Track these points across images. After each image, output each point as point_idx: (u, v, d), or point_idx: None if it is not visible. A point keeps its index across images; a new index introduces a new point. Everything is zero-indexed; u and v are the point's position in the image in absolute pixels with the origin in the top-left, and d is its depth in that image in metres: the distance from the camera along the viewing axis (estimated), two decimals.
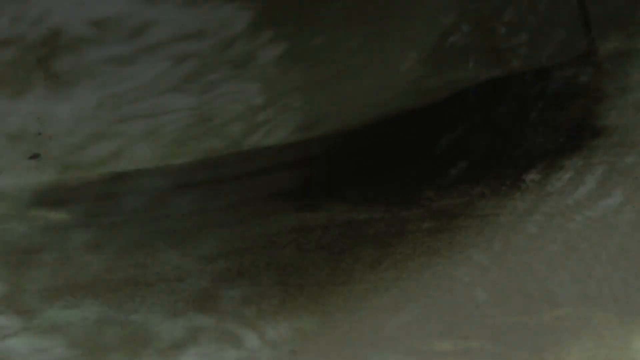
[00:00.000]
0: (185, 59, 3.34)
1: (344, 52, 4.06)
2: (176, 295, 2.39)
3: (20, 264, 2.52)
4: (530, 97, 3.46)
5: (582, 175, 2.88)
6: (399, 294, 2.35)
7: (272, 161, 3.23)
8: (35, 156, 2.12)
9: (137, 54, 3.13)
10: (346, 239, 2.62)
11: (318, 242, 2.62)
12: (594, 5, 3.96)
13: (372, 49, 4.01)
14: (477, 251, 2.53)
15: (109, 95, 2.98)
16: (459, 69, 3.71)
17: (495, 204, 2.77)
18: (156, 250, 2.62)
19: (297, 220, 2.75)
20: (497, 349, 2.14)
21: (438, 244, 2.57)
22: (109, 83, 2.95)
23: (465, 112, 3.44)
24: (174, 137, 3.28)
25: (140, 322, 2.26)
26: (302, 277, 2.44)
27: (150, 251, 2.61)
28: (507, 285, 2.37)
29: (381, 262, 2.50)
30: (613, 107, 3.28)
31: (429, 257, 2.51)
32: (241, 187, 3.04)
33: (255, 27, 3.74)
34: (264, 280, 2.44)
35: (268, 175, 3.13)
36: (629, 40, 3.72)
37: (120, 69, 3.05)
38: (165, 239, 2.70)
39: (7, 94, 2.39)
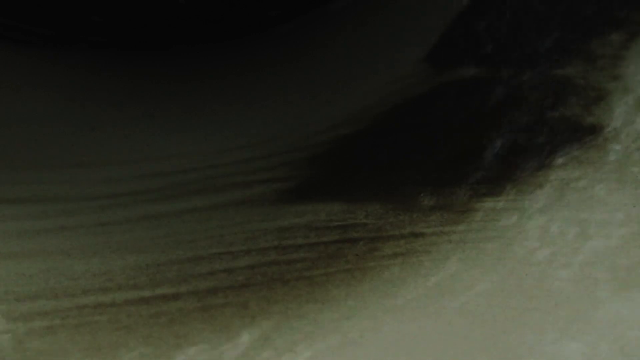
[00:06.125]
0: None
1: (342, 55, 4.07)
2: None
3: None
4: (529, 96, 3.46)
5: (583, 173, 2.88)
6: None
7: (269, 161, 3.24)
8: None
9: None
10: (336, 242, 2.62)
11: (309, 243, 2.63)
12: (595, 5, 3.96)
13: (370, 51, 4.01)
14: (475, 254, 2.53)
15: None
16: (457, 69, 3.71)
17: (492, 205, 2.77)
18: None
19: (287, 222, 2.76)
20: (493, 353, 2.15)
21: (438, 244, 2.58)
22: None
23: (463, 111, 3.44)
24: None
25: None
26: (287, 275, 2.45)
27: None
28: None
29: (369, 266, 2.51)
30: (613, 107, 3.28)
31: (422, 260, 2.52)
32: (234, 187, 3.05)
33: None
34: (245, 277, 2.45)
35: (263, 174, 3.14)
36: (628, 39, 3.72)
37: None
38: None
39: None
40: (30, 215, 2.89)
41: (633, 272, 2.39)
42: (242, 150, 3.36)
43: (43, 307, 2.34)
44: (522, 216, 2.69)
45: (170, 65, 4.13)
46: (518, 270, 2.43)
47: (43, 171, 3.22)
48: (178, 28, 4.27)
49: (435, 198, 2.83)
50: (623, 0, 3.94)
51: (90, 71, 3.99)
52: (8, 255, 2.61)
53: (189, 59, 4.18)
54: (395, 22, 4.16)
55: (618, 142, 3.05)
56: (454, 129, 3.33)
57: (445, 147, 3.20)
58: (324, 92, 3.79)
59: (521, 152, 3.08)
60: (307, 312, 2.32)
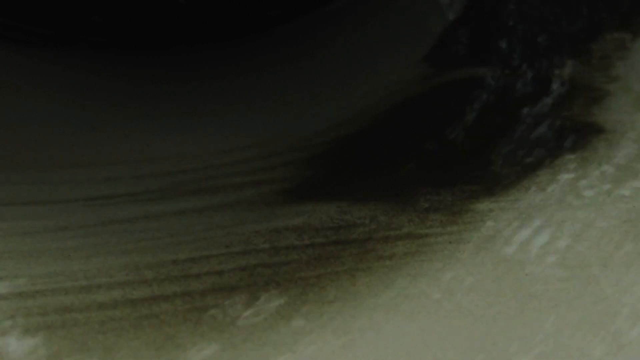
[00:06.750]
0: None
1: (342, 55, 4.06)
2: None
3: None
4: (529, 96, 3.46)
5: (582, 173, 2.88)
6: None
7: (269, 161, 3.24)
8: None
9: None
10: (332, 243, 2.62)
11: (304, 243, 2.62)
12: (595, 5, 3.96)
13: (370, 49, 4.01)
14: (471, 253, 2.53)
15: None
16: (457, 69, 3.71)
17: (491, 206, 2.77)
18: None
19: (286, 222, 2.75)
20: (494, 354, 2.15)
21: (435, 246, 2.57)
22: None
23: (462, 111, 3.44)
24: None
25: None
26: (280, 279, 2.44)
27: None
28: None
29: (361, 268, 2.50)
30: (613, 107, 3.28)
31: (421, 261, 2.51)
32: (234, 187, 3.05)
33: None
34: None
35: (263, 174, 3.13)
36: (629, 39, 3.72)
37: None
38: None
39: None
40: (30, 215, 2.89)
41: (632, 271, 2.39)
42: (242, 150, 3.36)
43: (41, 307, 2.34)
44: (521, 217, 2.69)
45: (170, 65, 4.13)
46: (518, 270, 2.42)
47: (43, 171, 3.22)
48: (178, 28, 4.27)
49: (435, 198, 2.83)
50: (623, 0, 3.94)
51: (90, 71, 3.98)
52: (8, 255, 2.61)
53: (189, 59, 4.17)
54: (395, 22, 4.16)
55: (618, 142, 3.04)
56: (453, 129, 3.33)
57: (445, 147, 3.20)
58: (324, 92, 3.79)
59: (521, 153, 3.08)
60: (304, 313, 2.31)
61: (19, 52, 3.97)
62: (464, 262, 2.47)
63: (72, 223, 2.83)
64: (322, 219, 2.74)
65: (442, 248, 2.55)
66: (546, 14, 3.97)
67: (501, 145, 3.15)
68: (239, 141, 3.44)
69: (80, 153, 3.37)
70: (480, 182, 2.91)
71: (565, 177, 2.88)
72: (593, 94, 3.39)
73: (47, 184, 3.12)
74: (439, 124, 3.37)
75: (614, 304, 2.27)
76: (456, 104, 3.52)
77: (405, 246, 2.57)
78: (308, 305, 2.33)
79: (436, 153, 3.17)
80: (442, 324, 2.22)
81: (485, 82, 3.62)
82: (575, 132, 3.15)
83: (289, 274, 2.46)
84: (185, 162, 3.29)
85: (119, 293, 2.39)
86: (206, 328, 2.24)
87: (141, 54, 4.17)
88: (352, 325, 2.23)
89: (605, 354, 2.10)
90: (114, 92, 3.85)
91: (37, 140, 3.43)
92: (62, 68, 3.94)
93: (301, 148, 3.32)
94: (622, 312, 2.23)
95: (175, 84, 3.96)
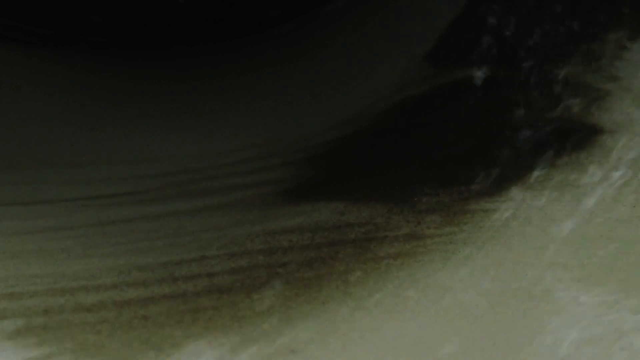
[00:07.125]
0: None
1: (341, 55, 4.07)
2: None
3: None
4: (529, 96, 3.46)
5: (582, 173, 2.88)
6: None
7: (269, 161, 3.24)
8: None
9: None
10: (331, 243, 2.62)
11: (301, 244, 2.62)
12: (595, 5, 3.96)
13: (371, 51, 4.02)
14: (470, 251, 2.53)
15: None
16: (457, 69, 3.71)
17: (492, 206, 2.77)
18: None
19: (286, 222, 2.75)
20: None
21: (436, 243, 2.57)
22: None
23: (463, 111, 3.44)
24: None
25: None
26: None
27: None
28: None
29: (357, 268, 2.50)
30: (613, 107, 3.28)
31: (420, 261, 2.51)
32: (234, 187, 3.05)
33: None
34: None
35: (263, 175, 3.14)
36: (629, 39, 3.72)
37: None
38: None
39: None
40: (30, 214, 2.89)
41: (634, 273, 2.39)
42: (242, 150, 3.37)
43: (35, 307, 2.34)
44: (522, 217, 2.69)
45: (170, 65, 4.13)
46: (518, 270, 2.42)
47: (43, 171, 3.22)
48: (178, 28, 4.27)
49: (434, 199, 2.83)
50: (623, 0, 3.94)
51: (90, 71, 3.99)
52: (8, 255, 2.61)
53: (189, 59, 4.18)
54: (395, 22, 4.16)
55: (617, 142, 3.05)
56: (454, 129, 3.33)
57: (445, 147, 3.20)
58: (324, 92, 3.79)
59: (521, 153, 3.08)
60: (301, 314, 2.31)
61: (19, 52, 3.97)
62: (464, 263, 2.47)
63: (72, 223, 2.83)
64: (319, 220, 2.74)
65: (441, 249, 2.55)
66: (546, 15, 3.97)
67: (500, 146, 3.15)
68: (239, 141, 3.45)
69: (80, 153, 3.37)
70: (479, 182, 2.91)
71: (564, 177, 2.88)
72: (593, 94, 3.39)
73: (47, 184, 3.12)
74: (439, 124, 3.37)
75: (618, 306, 2.27)
76: (456, 104, 3.52)
77: (404, 247, 2.57)
78: (305, 306, 2.33)
79: (436, 153, 3.17)
80: (442, 324, 2.22)
81: (485, 82, 3.62)
82: (575, 132, 3.15)
83: (285, 276, 2.46)
84: (185, 162, 3.30)
85: (112, 294, 2.39)
86: (201, 329, 2.23)
87: (141, 54, 4.18)
88: (352, 326, 2.23)
89: (610, 355, 2.10)
90: (114, 92, 3.86)
91: (37, 140, 3.43)
92: (62, 68, 3.95)
93: (301, 148, 3.32)
94: (626, 315, 2.23)
95: (175, 84, 3.97)
